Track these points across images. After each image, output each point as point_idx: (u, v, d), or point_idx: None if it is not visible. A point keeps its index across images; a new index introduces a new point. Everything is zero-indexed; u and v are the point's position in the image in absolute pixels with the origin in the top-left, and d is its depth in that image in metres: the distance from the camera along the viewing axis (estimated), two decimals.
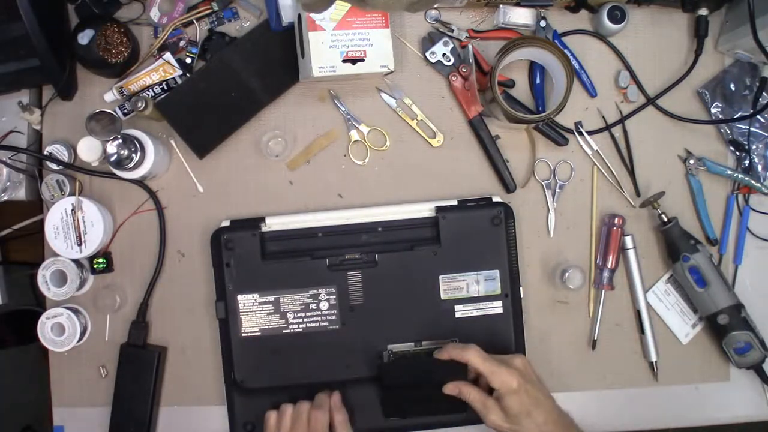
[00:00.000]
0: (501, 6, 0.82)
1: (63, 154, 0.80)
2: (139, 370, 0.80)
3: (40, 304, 0.88)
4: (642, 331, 0.83)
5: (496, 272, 0.79)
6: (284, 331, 0.78)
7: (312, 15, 0.75)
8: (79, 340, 0.79)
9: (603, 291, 0.83)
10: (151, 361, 0.80)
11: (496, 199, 0.81)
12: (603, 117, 0.85)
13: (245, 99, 0.81)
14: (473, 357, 0.70)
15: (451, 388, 0.72)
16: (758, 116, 0.85)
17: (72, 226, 0.77)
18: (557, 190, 0.84)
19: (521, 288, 0.80)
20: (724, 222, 0.86)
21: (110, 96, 0.81)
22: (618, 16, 0.82)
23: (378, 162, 0.84)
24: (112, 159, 0.76)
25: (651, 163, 0.85)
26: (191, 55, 0.82)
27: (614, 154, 0.85)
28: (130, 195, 0.82)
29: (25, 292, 1.05)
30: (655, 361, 0.83)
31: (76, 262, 0.79)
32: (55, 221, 0.77)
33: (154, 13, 0.81)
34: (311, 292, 0.78)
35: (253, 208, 0.83)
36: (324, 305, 0.78)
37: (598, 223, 0.85)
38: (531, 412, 0.69)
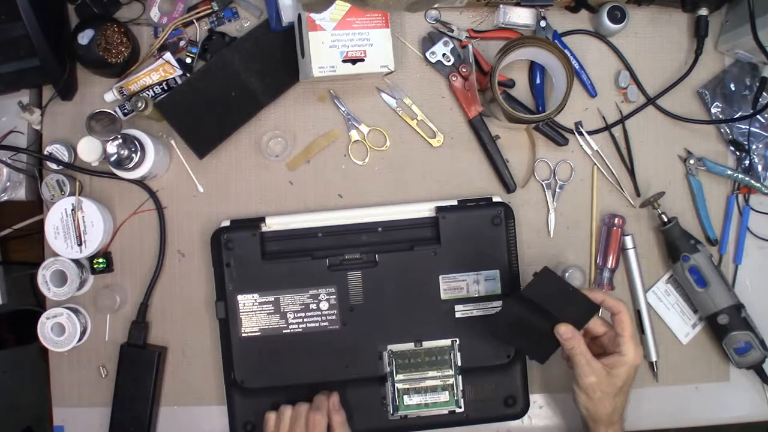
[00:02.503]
0: (501, 6, 0.82)
1: (63, 154, 0.80)
2: (139, 370, 0.80)
3: (40, 304, 0.88)
4: (642, 331, 0.83)
5: (496, 272, 0.79)
6: (284, 331, 0.78)
7: (312, 15, 0.75)
8: (79, 340, 0.79)
9: (603, 291, 0.83)
10: (151, 361, 0.80)
11: (496, 199, 0.81)
12: (603, 117, 0.85)
13: (245, 99, 0.81)
14: (626, 312, 0.71)
15: (565, 331, 0.70)
16: (758, 116, 0.85)
17: (72, 226, 0.77)
18: (557, 190, 0.84)
19: (521, 288, 0.80)
20: (724, 222, 0.86)
21: (110, 96, 0.81)
22: (618, 16, 0.82)
23: (378, 162, 0.84)
24: (112, 159, 0.76)
25: (651, 163, 0.85)
26: (191, 55, 0.82)
27: (614, 154, 0.85)
28: (130, 195, 0.82)
29: (25, 292, 1.05)
30: (655, 361, 0.83)
31: (76, 262, 0.79)
32: (55, 221, 0.77)
33: (154, 13, 0.81)
34: (311, 292, 0.78)
35: (253, 208, 0.83)
36: (324, 305, 0.78)
37: (598, 223, 0.85)
38: (626, 393, 0.71)
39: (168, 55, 0.80)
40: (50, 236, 0.77)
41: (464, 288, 0.79)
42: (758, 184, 0.84)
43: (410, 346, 0.79)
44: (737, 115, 0.85)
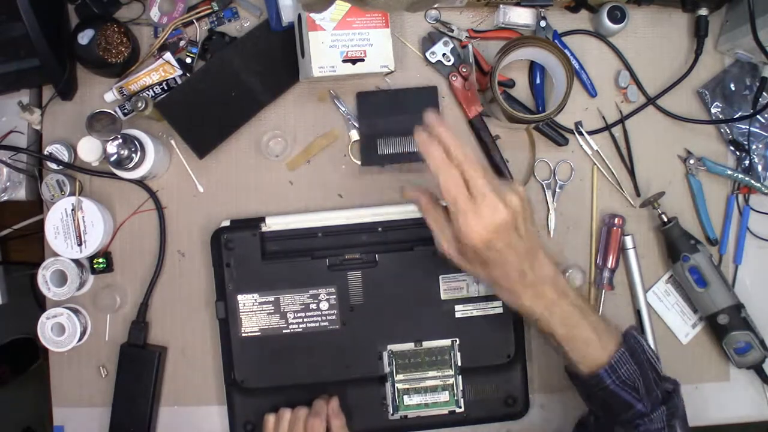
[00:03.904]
0: (501, 6, 0.82)
1: (63, 154, 0.80)
2: (139, 370, 0.80)
3: (40, 305, 0.88)
4: (642, 331, 0.83)
5: None
6: (284, 331, 0.78)
7: (312, 15, 0.75)
8: (79, 340, 0.79)
9: (603, 291, 0.83)
10: (151, 361, 0.80)
11: None
12: (603, 117, 0.85)
13: (245, 99, 0.81)
14: (443, 179, 0.56)
15: (410, 195, 0.62)
16: (758, 116, 0.85)
17: (72, 226, 0.77)
18: (557, 190, 0.84)
19: None
20: (724, 222, 0.86)
21: (110, 96, 0.81)
22: (618, 16, 0.82)
23: None
24: (112, 159, 0.76)
25: (651, 163, 0.85)
26: (191, 55, 0.82)
27: (614, 154, 0.85)
28: (130, 195, 0.82)
29: (25, 292, 1.05)
30: None
31: (76, 262, 0.79)
32: (55, 221, 0.77)
33: (154, 13, 0.81)
34: (311, 292, 0.78)
35: (253, 208, 0.83)
36: (324, 305, 0.78)
37: (598, 223, 0.85)
38: (488, 264, 0.59)
39: (168, 55, 0.80)
40: (50, 236, 0.77)
41: (464, 288, 0.79)
42: (758, 184, 0.84)
43: (410, 346, 0.79)
44: (737, 115, 0.85)
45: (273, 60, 0.81)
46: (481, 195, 0.57)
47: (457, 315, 0.79)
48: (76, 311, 0.80)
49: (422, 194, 0.61)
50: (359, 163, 0.83)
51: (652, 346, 0.83)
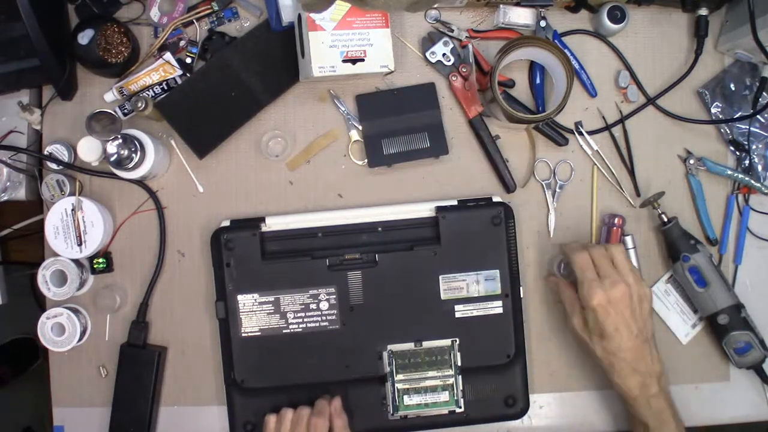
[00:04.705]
0: (501, 6, 0.82)
1: (63, 154, 0.80)
2: (139, 370, 0.80)
3: (40, 305, 0.88)
4: None
5: (496, 272, 0.79)
6: (284, 331, 0.78)
7: (312, 15, 0.75)
8: (79, 340, 0.79)
9: None
10: (151, 361, 0.80)
11: (496, 199, 0.81)
12: (603, 117, 0.85)
13: (245, 99, 0.81)
14: (579, 255, 0.73)
15: (551, 281, 0.79)
16: (758, 116, 0.85)
17: (72, 226, 0.77)
18: (557, 190, 0.84)
19: (521, 288, 0.80)
20: (724, 222, 0.86)
21: (110, 96, 0.81)
22: (618, 16, 0.82)
23: None
24: (112, 159, 0.76)
25: (651, 163, 0.85)
26: (191, 55, 0.82)
27: (614, 154, 0.85)
28: (130, 195, 0.82)
29: (25, 292, 1.06)
30: None
31: (76, 262, 0.79)
32: (55, 221, 0.77)
33: (154, 13, 0.81)
34: (311, 292, 0.78)
35: (253, 208, 0.83)
36: (324, 305, 0.78)
37: (598, 223, 0.85)
38: (604, 335, 0.71)
39: (168, 55, 0.80)
40: (50, 236, 0.77)
41: (464, 288, 0.79)
42: (758, 184, 0.84)
43: (410, 346, 0.79)
44: (737, 115, 0.85)
45: (273, 60, 0.81)
46: (605, 273, 0.72)
47: (457, 315, 0.79)
48: (76, 311, 0.80)
49: (559, 280, 0.79)
50: (360, 163, 0.83)
51: None
